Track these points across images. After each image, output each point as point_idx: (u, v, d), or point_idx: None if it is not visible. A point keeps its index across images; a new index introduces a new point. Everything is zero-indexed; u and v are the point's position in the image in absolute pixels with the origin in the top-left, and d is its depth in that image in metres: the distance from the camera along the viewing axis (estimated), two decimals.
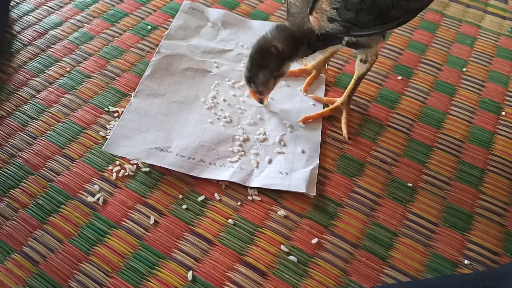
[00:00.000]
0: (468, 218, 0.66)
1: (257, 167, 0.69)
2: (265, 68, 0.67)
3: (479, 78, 0.89)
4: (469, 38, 0.98)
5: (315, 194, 0.66)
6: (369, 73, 0.86)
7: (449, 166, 0.73)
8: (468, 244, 0.63)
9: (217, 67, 0.85)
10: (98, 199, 0.64)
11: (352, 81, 0.75)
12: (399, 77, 0.87)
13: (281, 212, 0.65)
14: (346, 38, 0.65)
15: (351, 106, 0.80)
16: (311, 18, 0.61)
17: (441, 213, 0.66)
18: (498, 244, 0.63)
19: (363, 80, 0.85)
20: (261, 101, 0.76)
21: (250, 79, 0.69)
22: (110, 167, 0.68)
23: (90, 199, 0.64)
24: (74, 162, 0.69)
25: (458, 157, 0.74)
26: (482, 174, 0.72)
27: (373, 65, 0.88)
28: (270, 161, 0.70)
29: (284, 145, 0.73)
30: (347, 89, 0.76)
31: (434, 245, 0.63)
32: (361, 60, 0.72)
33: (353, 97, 0.81)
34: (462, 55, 0.94)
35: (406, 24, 0.99)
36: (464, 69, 0.90)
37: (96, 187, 0.65)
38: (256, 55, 0.67)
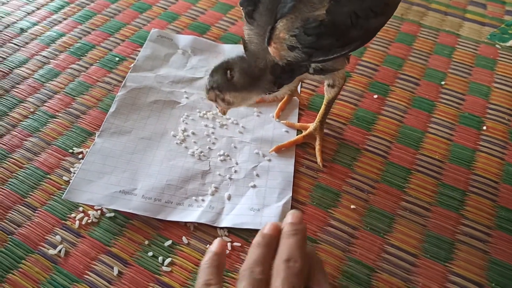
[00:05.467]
0: (450, 247, 0.63)
1: (228, 204, 0.66)
2: (211, 78, 0.64)
3: (458, 91, 0.86)
4: (448, 48, 0.96)
5: None
6: (343, 93, 0.84)
7: (428, 190, 0.69)
8: (450, 276, 0.60)
9: (186, 97, 0.82)
10: (60, 251, 0.61)
11: (323, 106, 0.73)
12: (375, 96, 0.84)
13: None
14: (312, 65, 0.62)
15: (326, 131, 0.77)
16: (270, 49, 0.58)
17: (421, 242, 0.63)
18: (481, 274, 0.60)
19: (338, 101, 0.82)
20: (222, 111, 0.70)
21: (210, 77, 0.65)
22: (73, 215, 0.65)
23: (51, 251, 0.61)
24: (36, 211, 0.66)
25: (438, 179, 0.71)
26: (463, 197, 0.69)
27: (348, 85, 0.86)
28: (241, 197, 0.67)
29: (257, 176, 0.70)
30: (319, 114, 0.74)
31: (415, 280, 0.59)
32: (328, 85, 0.69)
33: (328, 120, 0.78)
34: (440, 67, 0.91)
35: (382, 38, 0.96)
36: (443, 83, 0.87)
37: (58, 237, 0.63)
38: (216, 67, 0.64)
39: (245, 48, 0.62)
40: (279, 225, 0.48)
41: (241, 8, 0.62)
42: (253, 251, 0.46)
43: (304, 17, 0.55)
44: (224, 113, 0.70)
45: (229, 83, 0.63)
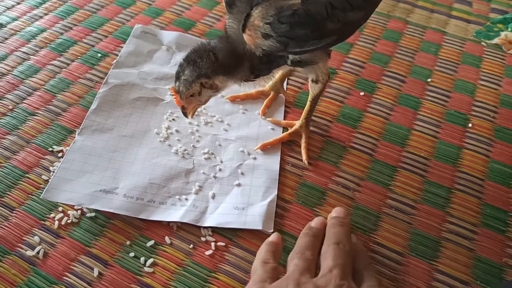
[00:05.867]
0: (435, 245, 0.62)
1: (212, 203, 0.65)
2: (194, 66, 0.60)
3: (444, 88, 0.86)
4: (434, 45, 0.95)
5: (272, 230, 0.62)
6: (330, 90, 0.83)
7: (414, 187, 0.69)
8: (436, 274, 0.59)
9: (170, 94, 0.80)
10: (38, 252, 0.59)
11: (308, 103, 0.72)
12: (362, 93, 0.83)
13: (237, 252, 0.60)
14: (290, 57, 0.61)
15: (312, 128, 0.76)
16: (245, 36, 0.57)
17: (407, 241, 0.63)
18: (467, 272, 0.60)
19: (324, 98, 0.82)
20: (183, 111, 0.65)
21: (177, 74, 0.61)
22: (52, 215, 0.63)
23: (29, 252, 0.59)
24: (14, 212, 0.64)
25: (424, 177, 0.71)
26: (449, 194, 0.68)
27: (334, 81, 0.85)
28: (225, 196, 0.66)
29: (242, 174, 0.69)
30: (304, 111, 0.73)
31: (401, 279, 0.59)
32: (312, 80, 0.68)
33: (314, 118, 0.77)
34: (427, 65, 0.91)
35: (369, 35, 0.96)
36: (429, 80, 0.87)
37: (37, 238, 0.61)
38: (191, 54, 0.61)
39: (225, 34, 0.61)
40: (325, 220, 0.55)
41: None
42: (302, 240, 0.52)
43: (279, 5, 0.54)
44: (192, 115, 0.66)
45: (217, 65, 0.60)
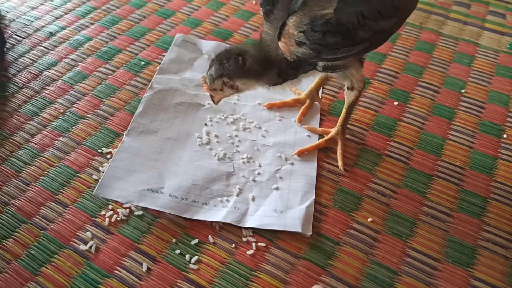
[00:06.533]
0: (472, 252, 0.64)
1: (252, 205, 0.68)
2: (220, 65, 0.65)
3: (478, 99, 0.87)
4: (467, 57, 0.97)
5: (311, 233, 0.64)
6: (364, 99, 0.85)
7: (450, 196, 0.70)
8: (472, 281, 0.61)
9: (211, 100, 0.84)
10: (90, 247, 0.63)
11: (344, 110, 0.74)
12: (396, 103, 0.85)
13: (277, 253, 0.63)
14: (321, 63, 0.64)
15: (347, 136, 0.78)
16: (280, 44, 0.61)
17: (443, 247, 0.64)
18: (504, 280, 0.61)
19: (359, 107, 0.84)
20: (212, 99, 0.72)
21: (209, 68, 0.67)
22: (102, 212, 0.67)
23: (82, 247, 0.63)
24: (67, 208, 0.68)
25: (460, 186, 0.72)
26: (484, 203, 0.69)
27: (368, 91, 0.87)
28: (265, 199, 0.69)
29: (280, 179, 0.72)
30: (340, 118, 0.75)
31: (437, 283, 0.60)
32: (348, 88, 0.71)
33: (349, 126, 0.79)
34: (460, 76, 0.92)
35: (402, 46, 0.98)
36: (463, 91, 0.88)
37: (89, 234, 0.65)
38: (222, 53, 0.66)
39: (260, 39, 0.65)
40: None
41: (261, 8, 0.64)
42: None
43: (313, 14, 0.57)
44: (217, 103, 0.71)
45: (241, 70, 0.64)
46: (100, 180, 0.69)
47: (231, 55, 0.65)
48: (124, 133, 0.77)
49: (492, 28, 1.05)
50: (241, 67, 0.64)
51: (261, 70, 0.65)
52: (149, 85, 0.85)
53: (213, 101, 0.72)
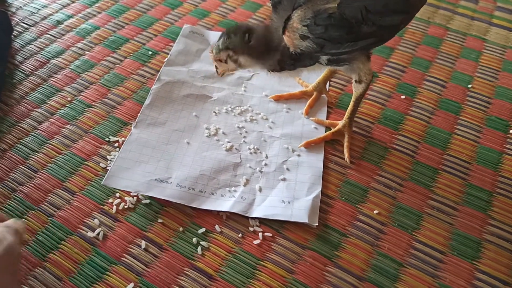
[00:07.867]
0: (477, 246, 0.64)
1: (259, 195, 0.68)
2: (228, 38, 0.66)
3: (485, 95, 0.87)
4: (475, 52, 0.96)
5: (317, 224, 0.65)
6: (371, 92, 0.85)
7: (456, 189, 0.71)
8: (477, 274, 0.61)
9: (218, 92, 0.84)
10: (98, 234, 0.64)
11: (351, 103, 0.74)
12: (403, 96, 0.85)
13: (283, 243, 0.63)
14: (325, 57, 0.64)
15: (354, 129, 0.78)
16: (284, 37, 0.62)
17: (448, 240, 0.64)
18: (508, 273, 0.61)
19: (366, 100, 0.84)
20: (216, 70, 0.72)
21: (218, 38, 0.68)
22: (110, 200, 0.68)
23: (90, 234, 0.64)
24: (75, 196, 0.68)
25: (465, 180, 0.72)
26: (490, 198, 0.70)
27: (375, 85, 0.87)
28: (271, 189, 0.69)
29: (287, 170, 0.72)
30: (347, 111, 0.75)
31: (442, 276, 0.61)
32: (356, 81, 0.71)
33: (356, 119, 0.79)
34: (467, 71, 0.92)
35: (409, 40, 0.98)
36: (470, 86, 0.88)
37: (96, 221, 0.65)
38: (232, 28, 0.67)
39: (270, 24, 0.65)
40: None
41: (270, 0, 0.65)
42: None
43: (316, 8, 0.58)
44: (222, 75, 0.72)
45: (246, 46, 0.65)
46: (108, 170, 0.70)
47: (239, 31, 0.66)
48: (132, 125, 0.77)
49: (499, 24, 1.05)
50: (246, 43, 0.65)
51: (264, 52, 0.65)
52: (157, 77, 0.85)
53: (217, 72, 0.72)
